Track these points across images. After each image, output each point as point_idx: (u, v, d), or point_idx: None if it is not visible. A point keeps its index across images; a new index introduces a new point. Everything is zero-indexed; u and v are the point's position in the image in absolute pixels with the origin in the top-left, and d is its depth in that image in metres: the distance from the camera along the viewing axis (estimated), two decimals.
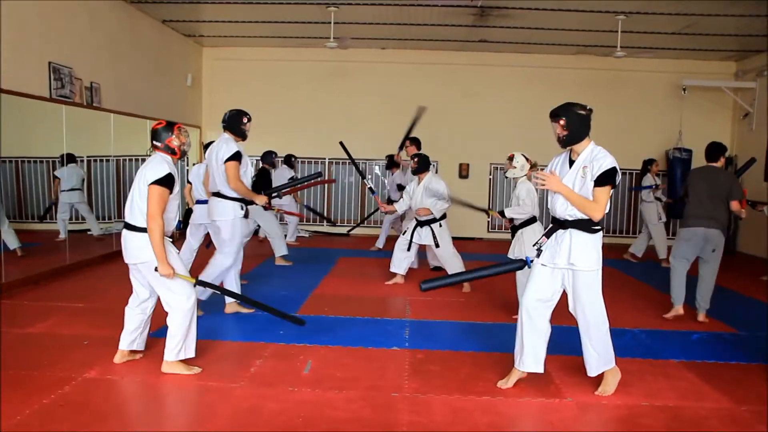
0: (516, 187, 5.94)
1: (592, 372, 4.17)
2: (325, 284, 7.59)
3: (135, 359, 4.63)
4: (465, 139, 12.14)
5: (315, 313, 6.16)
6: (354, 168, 7.86)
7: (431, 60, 12.15)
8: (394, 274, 7.58)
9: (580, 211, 3.94)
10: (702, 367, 4.85)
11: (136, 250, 4.31)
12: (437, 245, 7.14)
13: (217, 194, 5.79)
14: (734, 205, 6.07)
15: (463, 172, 12.25)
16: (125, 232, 4.37)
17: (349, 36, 10.31)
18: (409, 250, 7.35)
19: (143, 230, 4.24)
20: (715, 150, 6.26)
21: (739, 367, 4.89)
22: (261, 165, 9.25)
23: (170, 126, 4.44)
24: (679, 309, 6.29)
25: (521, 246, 5.78)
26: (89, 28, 8.28)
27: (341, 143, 7.87)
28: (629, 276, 8.59)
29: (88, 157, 9.00)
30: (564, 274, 4.09)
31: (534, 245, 4.20)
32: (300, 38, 11.27)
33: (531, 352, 4.19)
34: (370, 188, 7.90)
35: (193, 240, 7.07)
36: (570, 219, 4.00)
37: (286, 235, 10.56)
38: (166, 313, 4.41)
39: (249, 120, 5.92)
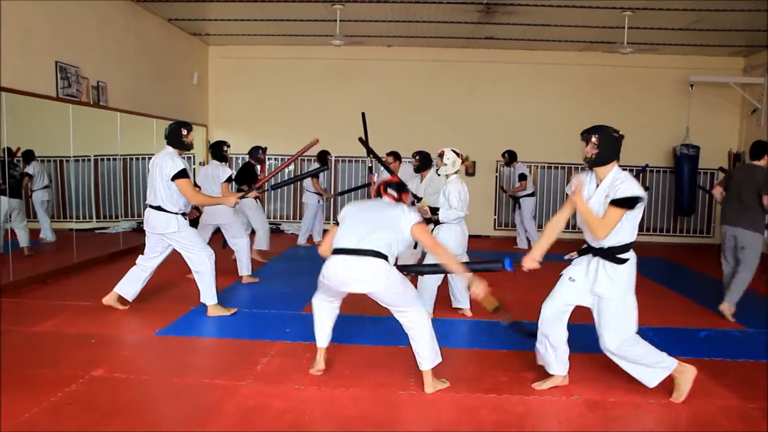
0: (446, 186, 5.86)
1: (651, 384, 4.09)
2: None
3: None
4: (471, 136, 12.11)
5: None
6: (378, 162, 7.95)
7: (437, 57, 12.13)
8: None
9: (585, 225, 3.90)
10: (710, 364, 4.82)
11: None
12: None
13: (158, 208, 5.67)
14: (766, 200, 6.04)
15: (469, 169, 12.21)
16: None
17: (355, 34, 10.32)
18: (415, 248, 7.34)
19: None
20: (758, 148, 6.26)
21: (748, 365, 4.87)
22: (247, 160, 9.09)
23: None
24: (730, 309, 6.23)
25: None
26: (96, 27, 8.29)
27: (361, 138, 8.07)
28: (637, 273, 8.54)
29: (95, 155, 9.03)
30: (592, 297, 4.05)
31: (566, 257, 4.20)
32: (306, 36, 11.27)
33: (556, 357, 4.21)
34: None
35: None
36: (596, 247, 3.97)
37: (298, 235, 10.82)
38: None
39: (189, 131, 5.77)
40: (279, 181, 7.59)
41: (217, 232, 7.63)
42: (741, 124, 12.02)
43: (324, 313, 4.46)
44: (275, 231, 11.87)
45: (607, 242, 3.90)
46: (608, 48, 11.24)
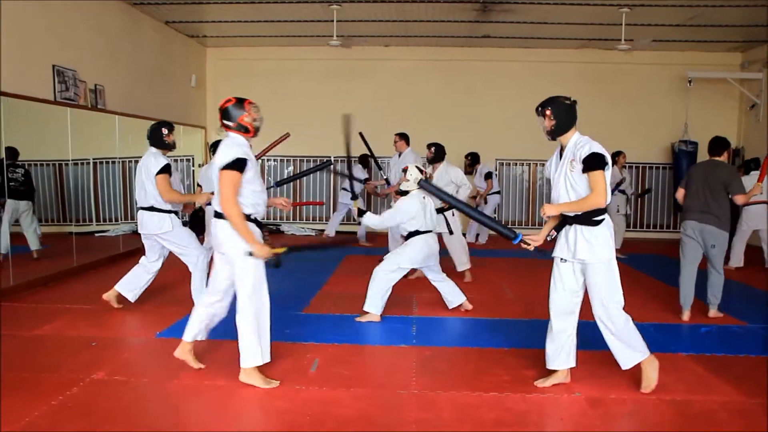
0: (401, 199, 6.01)
1: (626, 364, 4.11)
2: (332, 282, 7.59)
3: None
4: (469, 135, 12.11)
5: (322, 311, 6.16)
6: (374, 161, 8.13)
7: (435, 56, 12.14)
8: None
9: (587, 209, 3.92)
10: (711, 360, 4.83)
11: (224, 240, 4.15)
12: (451, 232, 7.26)
13: (150, 208, 5.75)
14: (739, 200, 5.93)
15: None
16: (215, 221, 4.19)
17: (352, 34, 10.33)
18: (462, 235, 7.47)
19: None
20: (718, 144, 6.14)
21: (749, 360, 4.87)
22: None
23: (241, 102, 4.25)
24: (686, 314, 6.05)
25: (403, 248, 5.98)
26: (93, 30, 8.29)
27: (360, 134, 8.35)
28: (636, 270, 8.55)
29: (93, 159, 9.03)
30: (580, 269, 4.07)
31: (547, 236, 4.22)
32: (303, 37, 11.28)
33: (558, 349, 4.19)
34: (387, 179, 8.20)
35: (208, 243, 7.16)
36: (571, 215, 4.01)
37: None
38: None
39: (170, 130, 5.82)
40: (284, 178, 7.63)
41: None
42: (739, 120, 12.03)
43: None
44: (274, 232, 11.87)
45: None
46: (606, 45, 11.24)
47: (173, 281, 7.05)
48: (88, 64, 8.11)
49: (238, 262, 4.12)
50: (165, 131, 5.80)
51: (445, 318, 6.03)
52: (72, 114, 7.74)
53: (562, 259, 4.12)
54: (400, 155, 8.60)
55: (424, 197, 5.99)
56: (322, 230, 12.32)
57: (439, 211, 7.26)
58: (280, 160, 12.46)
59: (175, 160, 11.08)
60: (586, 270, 4.02)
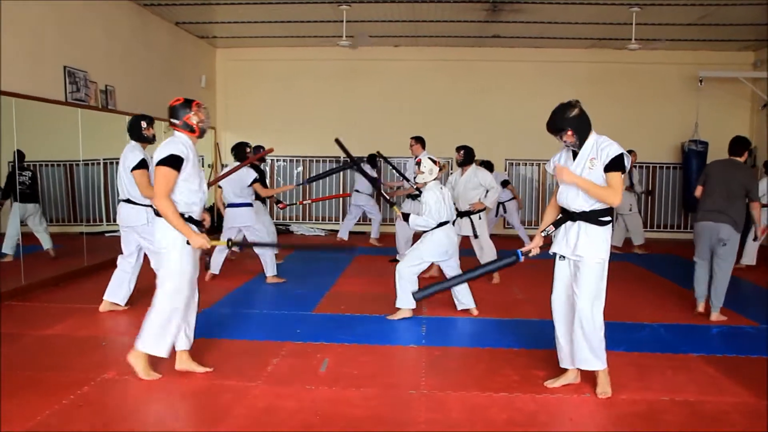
0: (423, 194, 5.97)
1: (580, 365, 4.04)
2: (342, 282, 7.59)
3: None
4: (479, 135, 12.06)
5: (331, 311, 6.17)
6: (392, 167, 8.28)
7: (444, 56, 12.12)
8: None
9: (597, 199, 3.88)
10: (722, 361, 4.79)
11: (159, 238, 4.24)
12: (476, 236, 7.27)
13: (128, 201, 5.80)
14: (755, 207, 5.92)
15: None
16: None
17: (364, 34, 10.33)
18: (476, 237, 7.44)
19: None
20: (738, 144, 6.07)
21: (761, 361, 4.82)
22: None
23: (188, 102, 4.24)
24: (700, 306, 6.14)
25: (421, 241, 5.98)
26: (103, 31, 8.33)
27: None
28: (647, 270, 8.51)
29: (104, 159, 9.06)
30: (575, 263, 4.03)
31: (542, 232, 4.14)
32: (313, 37, 11.28)
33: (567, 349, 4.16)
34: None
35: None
36: (579, 211, 3.97)
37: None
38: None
39: (150, 123, 5.80)
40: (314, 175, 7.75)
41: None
42: (751, 119, 11.95)
43: None
44: (284, 233, 11.90)
45: (590, 206, 3.93)
46: (616, 45, 11.19)
47: None
48: (99, 65, 8.15)
49: (165, 262, 4.21)
50: (144, 124, 5.79)
51: (455, 318, 6.02)
52: (83, 115, 7.78)
53: (561, 257, 4.10)
54: (416, 158, 8.59)
55: (441, 188, 5.98)
56: (332, 230, 12.34)
57: (465, 214, 7.27)
58: (289, 160, 12.48)
59: None
60: (581, 265, 3.96)
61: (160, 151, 4.10)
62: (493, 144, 11.93)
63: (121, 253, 6.04)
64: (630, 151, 9.87)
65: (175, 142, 4.15)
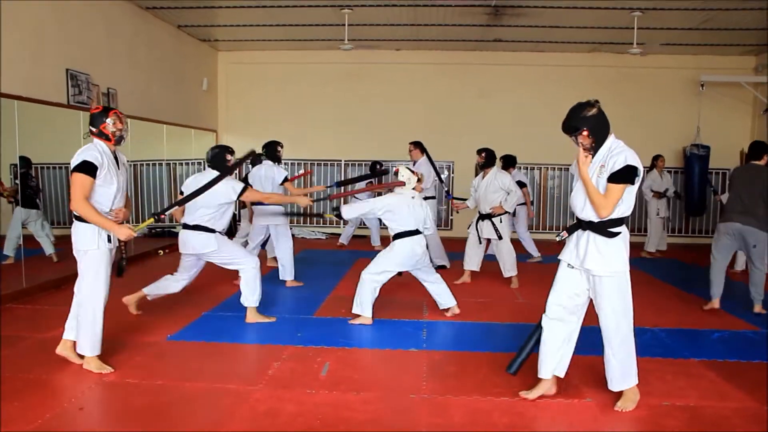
0: (384, 196, 6.02)
1: (614, 387, 3.97)
2: (343, 286, 7.59)
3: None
4: (480, 138, 12.03)
5: (333, 315, 6.18)
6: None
7: (446, 60, 12.13)
8: (462, 272, 7.79)
9: (592, 204, 3.74)
10: (724, 366, 4.79)
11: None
12: (500, 237, 7.30)
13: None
14: None
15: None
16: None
17: (364, 38, 10.35)
18: (480, 243, 7.45)
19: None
20: (757, 148, 6.40)
21: (763, 366, 4.82)
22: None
23: (106, 111, 4.39)
24: (715, 303, 6.41)
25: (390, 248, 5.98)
26: (105, 34, 8.35)
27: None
28: (648, 274, 8.50)
29: None
30: (588, 278, 3.90)
31: (556, 236, 4.05)
32: (314, 41, 11.31)
33: (548, 356, 4.04)
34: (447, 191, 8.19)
35: (252, 242, 7.42)
36: (586, 221, 3.84)
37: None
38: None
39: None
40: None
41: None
42: (753, 124, 11.95)
43: None
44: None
45: (595, 216, 3.78)
46: (617, 49, 11.20)
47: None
48: (101, 68, 8.17)
49: (82, 264, 4.46)
50: (228, 156, 5.80)
51: (456, 322, 6.02)
52: (84, 118, 7.75)
53: (569, 264, 3.95)
54: (414, 164, 8.58)
55: (412, 197, 5.93)
56: (332, 234, 12.35)
57: (486, 216, 7.28)
58: (291, 163, 12.48)
59: (187, 164, 11.14)
60: (598, 282, 3.82)
61: (76, 158, 4.30)
62: (494, 148, 11.87)
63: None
64: (658, 156, 9.98)
65: (91, 149, 4.35)
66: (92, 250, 4.38)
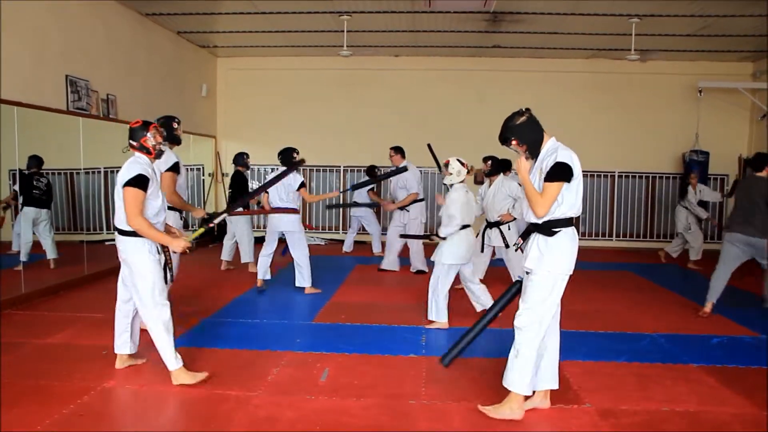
0: (449, 196, 5.94)
1: (505, 382, 3.90)
2: (342, 292, 7.59)
3: (137, 364, 4.70)
4: (479, 144, 12.05)
5: (332, 321, 6.17)
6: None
7: (444, 66, 12.16)
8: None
9: (529, 202, 3.76)
10: (723, 371, 4.79)
11: (122, 252, 4.39)
12: (507, 246, 7.24)
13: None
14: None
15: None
16: (116, 236, 4.38)
17: (362, 44, 10.36)
18: (483, 251, 7.41)
19: (126, 233, 4.29)
20: (759, 160, 6.56)
21: (762, 372, 4.82)
22: (234, 168, 9.06)
23: (146, 125, 4.37)
24: (707, 307, 6.48)
25: (439, 248, 5.92)
26: (105, 40, 8.36)
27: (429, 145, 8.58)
28: (647, 280, 8.51)
29: (105, 167, 9.07)
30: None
31: (513, 245, 4.06)
32: (313, 47, 11.33)
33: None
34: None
35: (268, 246, 7.41)
36: (532, 222, 3.84)
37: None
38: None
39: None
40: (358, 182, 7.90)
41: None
42: (751, 129, 11.97)
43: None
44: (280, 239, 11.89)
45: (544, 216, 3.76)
46: (616, 55, 11.23)
47: (180, 292, 7.07)
48: (101, 74, 8.18)
49: (139, 279, 4.33)
50: (175, 124, 5.67)
51: (456, 328, 6.00)
52: (84, 123, 7.80)
53: (527, 271, 3.90)
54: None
55: (467, 190, 5.95)
56: (332, 240, 12.35)
57: (494, 225, 7.26)
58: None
59: (187, 169, 11.14)
60: (527, 278, 3.83)
61: (126, 172, 4.21)
62: (493, 154, 11.92)
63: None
64: (689, 172, 9.97)
65: (139, 163, 4.28)
66: (146, 262, 4.30)
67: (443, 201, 6.07)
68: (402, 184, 8.75)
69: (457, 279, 7.60)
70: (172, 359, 4.35)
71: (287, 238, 7.37)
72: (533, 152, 3.82)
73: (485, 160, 7.48)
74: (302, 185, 7.28)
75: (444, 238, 5.88)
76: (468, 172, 5.94)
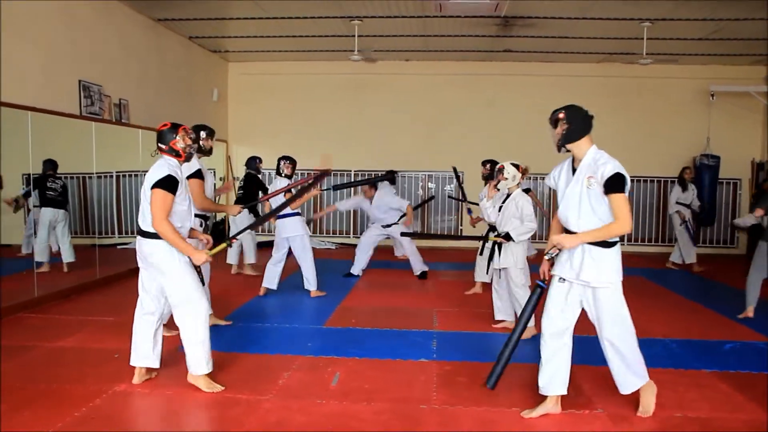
0: (514, 199, 5.82)
1: (626, 390, 3.95)
2: (353, 296, 7.59)
3: (152, 377, 4.57)
4: (490, 148, 12.05)
5: (343, 325, 6.17)
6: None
7: (455, 71, 12.15)
8: (473, 284, 7.75)
9: (609, 237, 3.71)
10: (735, 377, 4.76)
11: (149, 255, 4.27)
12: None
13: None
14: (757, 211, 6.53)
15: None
16: (138, 238, 4.30)
17: (373, 49, 10.36)
18: (481, 254, 7.33)
19: (153, 236, 4.20)
20: None
21: None
22: (246, 171, 9.07)
23: (175, 128, 4.33)
24: (749, 311, 6.57)
25: (506, 254, 5.82)
26: (118, 46, 8.42)
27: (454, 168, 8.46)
28: (659, 285, 8.46)
29: (117, 172, 9.13)
30: (581, 291, 3.88)
31: (545, 255, 3.95)
32: (324, 52, 11.36)
33: (552, 374, 3.98)
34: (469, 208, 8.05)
35: (277, 253, 7.42)
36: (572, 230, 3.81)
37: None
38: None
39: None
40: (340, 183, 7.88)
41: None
42: (763, 133, 11.90)
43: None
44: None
45: (591, 227, 3.72)
46: (627, 59, 11.20)
47: None
48: (113, 79, 8.24)
49: (170, 283, 4.28)
50: (203, 134, 5.73)
51: (466, 332, 6.01)
52: (96, 128, 7.85)
53: (560, 279, 3.90)
54: (372, 200, 8.82)
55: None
56: (342, 244, 12.35)
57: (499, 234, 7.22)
58: (300, 173, 12.50)
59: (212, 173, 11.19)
60: (595, 293, 3.81)
61: (155, 173, 4.15)
62: (502, 158, 11.88)
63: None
64: (686, 169, 9.91)
65: (170, 164, 4.25)
66: (175, 261, 4.24)
67: (475, 216, 6.02)
68: (385, 207, 8.74)
69: (465, 285, 7.61)
70: (203, 363, 4.31)
71: (290, 244, 7.39)
72: (567, 138, 3.80)
73: (484, 164, 7.37)
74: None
75: (507, 236, 5.77)
76: (523, 176, 5.89)
